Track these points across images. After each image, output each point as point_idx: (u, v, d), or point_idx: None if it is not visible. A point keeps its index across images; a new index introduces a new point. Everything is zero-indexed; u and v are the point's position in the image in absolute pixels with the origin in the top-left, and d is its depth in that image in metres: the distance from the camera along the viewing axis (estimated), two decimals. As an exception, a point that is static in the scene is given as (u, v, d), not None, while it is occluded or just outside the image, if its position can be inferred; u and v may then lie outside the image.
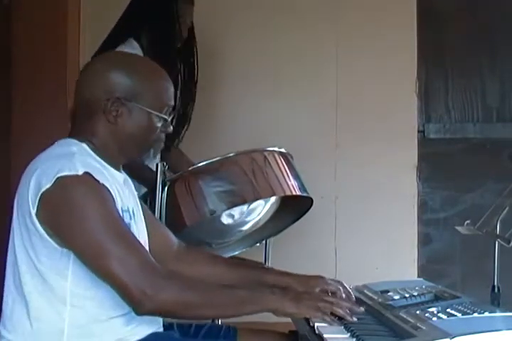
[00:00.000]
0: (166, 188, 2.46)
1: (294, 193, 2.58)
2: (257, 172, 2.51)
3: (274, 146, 2.61)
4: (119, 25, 3.06)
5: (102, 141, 1.87)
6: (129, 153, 1.94)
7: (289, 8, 3.91)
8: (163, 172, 2.51)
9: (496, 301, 2.16)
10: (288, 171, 2.59)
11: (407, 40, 3.91)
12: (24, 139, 3.65)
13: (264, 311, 1.83)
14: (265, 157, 2.56)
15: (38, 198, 1.73)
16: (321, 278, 2.05)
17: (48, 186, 1.72)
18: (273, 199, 2.69)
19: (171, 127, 1.95)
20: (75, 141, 1.86)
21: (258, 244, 2.83)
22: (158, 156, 2.82)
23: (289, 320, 2.07)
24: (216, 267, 2.13)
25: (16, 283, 1.80)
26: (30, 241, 1.77)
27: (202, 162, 2.51)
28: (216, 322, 2.57)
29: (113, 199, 1.79)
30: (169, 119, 1.93)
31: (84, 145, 1.85)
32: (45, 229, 1.75)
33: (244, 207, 2.67)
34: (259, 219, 2.74)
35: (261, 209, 2.73)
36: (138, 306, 1.74)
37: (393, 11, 3.91)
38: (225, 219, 2.67)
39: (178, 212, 2.47)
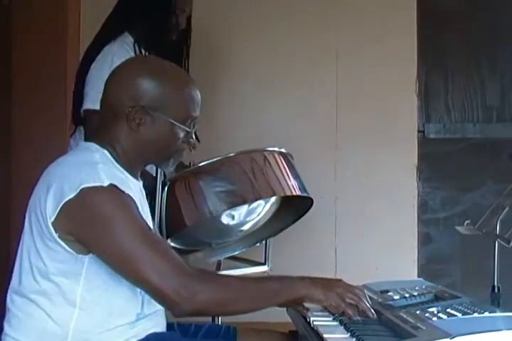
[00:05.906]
0: (166, 188, 2.45)
1: (294, 193, 2.57)
2: (257, 172, 2.50)
3: (274, 146, 2.60)
4: (113, 17, 2.97)
5: (123, 147, 1.87)
6: (149, 161, 1.96)
7: (291, 10, 3.91)
8: (163, 173, 2.51)
9: (495, 301, 2.16)
10: (288, 171, 2.58)
11: (407, 41, 3.91)
12: (24, 139, 3.64)
13: (295, 298, 1.84)
14: (265, 157, 2.55)
15: (59, 207, 1.72)
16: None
17: (71, 196, 1.71)
18: (273, 199, 2.69)
19: (194, 138, 1.94)
20: (97, 147, 1.86)
21: (258, 244, 2.82)
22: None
23: (289, 319, 2.08)
24: None
25: (26, 282, 1.79)
26: (44, 244, 1.76)
27: (202, 162, 2.51)
28: (216, 321, 2.57)
29: (137, 208, 1.79)
30: (192, 130, 1.92)
31: (106, 152, 1.85)
32: (61, 236, 1.74)
33: (245, 207, 2.66)
34: (259, 219, 2.74)
35: (261, 209, 2.72)
36: (176, 308, 1.74)
37: (393, 11, 3.91)
38: (225, 219, 2.67)
39: (178, 212, 2.46)
